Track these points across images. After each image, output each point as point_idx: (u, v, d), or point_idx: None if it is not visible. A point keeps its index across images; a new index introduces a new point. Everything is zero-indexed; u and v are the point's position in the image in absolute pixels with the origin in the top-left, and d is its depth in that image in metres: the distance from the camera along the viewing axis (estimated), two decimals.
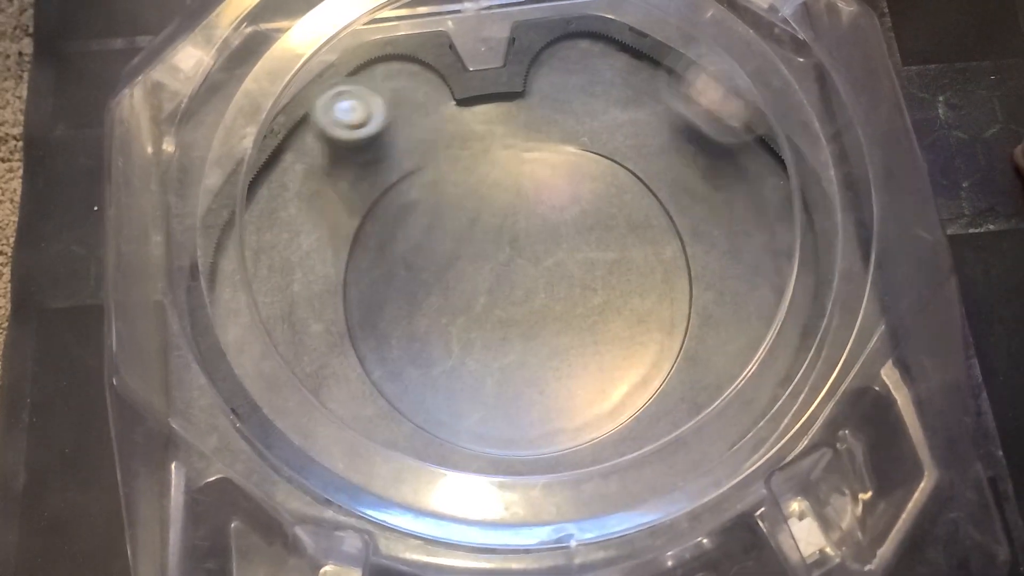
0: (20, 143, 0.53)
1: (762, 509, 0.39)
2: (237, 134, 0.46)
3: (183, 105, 0.46)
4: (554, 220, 0.49)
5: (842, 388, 0.41)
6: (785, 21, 0.48)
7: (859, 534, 0.40)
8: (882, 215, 0.43)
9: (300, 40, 0.48)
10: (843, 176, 0.46)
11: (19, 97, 0.54)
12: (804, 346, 0.43)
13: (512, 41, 0.50)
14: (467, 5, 0.51)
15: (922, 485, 0.40)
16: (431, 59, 0.51)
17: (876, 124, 0.45)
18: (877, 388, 0.42)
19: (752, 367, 0.42)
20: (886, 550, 0.39)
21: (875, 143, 0.45)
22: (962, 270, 0.50)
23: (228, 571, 0.39)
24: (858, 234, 0.45)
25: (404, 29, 0.50)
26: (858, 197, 0.45)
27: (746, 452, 0.41)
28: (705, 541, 0.39)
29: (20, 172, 0.52)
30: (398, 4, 0.49)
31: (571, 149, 0.50)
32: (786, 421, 0.41)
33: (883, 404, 0.41)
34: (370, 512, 0.40)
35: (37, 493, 0.46)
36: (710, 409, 0.42)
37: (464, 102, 0.51)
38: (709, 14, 0.49)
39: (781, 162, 0.47)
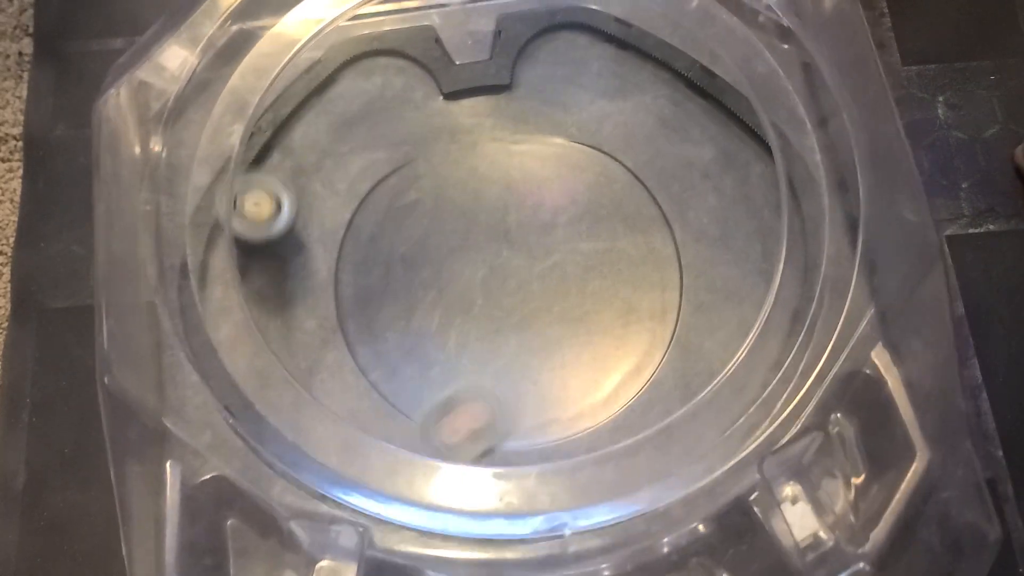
0: (20, 143, 0.53)
1: (756, 494, 0.39)
2: (224, 132, 0.46)
3: (170, 104, 0.46)
4: (544, 212, 0.49)
5: (832, 372, 0.41)
6: (769, 8, 0.48)
7: (852, 517, 0.40)
8: (868, 198, 0.44)
9: (285, 37, 0.48)
10: (829, 161, 0.46)
11: (19, 97, 0.54)
12: (794, 331, 0.44)
13: (498, 34, 0.51)
14: None
15: (914, 466, 0.40)
16: (417, 53, 0.51)
17: (862, 109, 0.45)
18: (867, 371, 0.42)
19: (743, 353, 0.42)
20: (879, 532, 0.39)
21: (860, 128, 0.45)
22: (962, 270, 0.50)
23: (225, 568, 0.39)
24: (845, 218, 0.45)
25: (389, 24, 0.50)
26: (844, 181, 0.45)
27: (739, 437, 0.41)
28: (699, 527, 0.40)
29: (20, 172, 0.52)
30: None
31: (559, 140, 0.50)
32: (778, 406, 0.41)
33: (873, 386, 0.41)
34: (365, 505, 0.40)
35: (37, 493, 0.46)
36: (702, 395, 0.42)
37: (451, 96, 0.51)
38: (694, 3, 0.49)
39: (768, 149, 0.47)
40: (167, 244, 0.45)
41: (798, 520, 0.39)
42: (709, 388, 0.42)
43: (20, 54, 0.55)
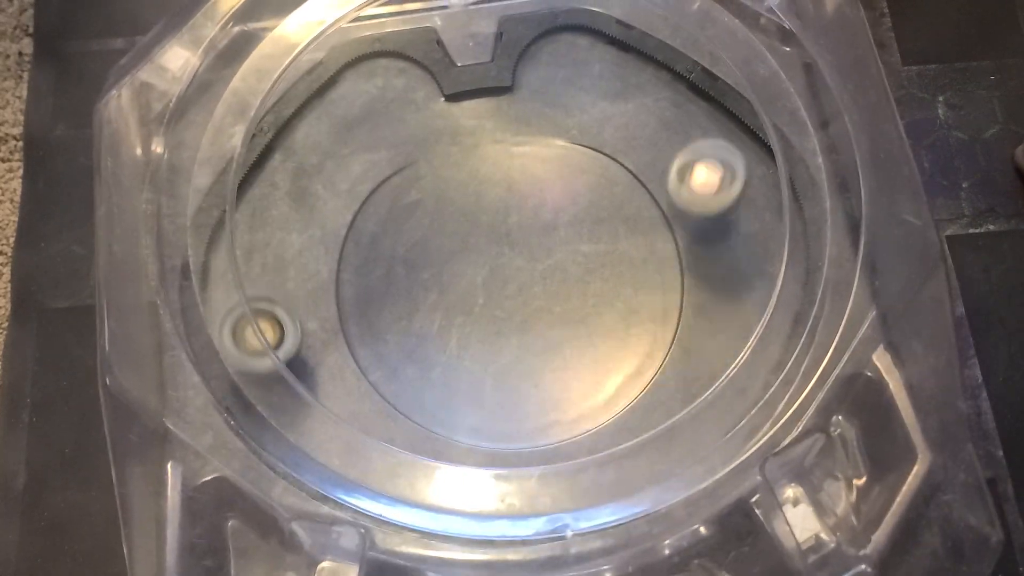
0: (20, 143, 0.53)
1: (757, 496, 0.39)
2: (226, 133, 0.46)
3: (171, 105, 0.46)
4: (546, 214, 0.49)
5: (834, 374, 0.42)
6: (771, 11, 0.48)
7: (853, 519, 0.40)
8: (870, 201, 0.44)
9: (287, 39, 0.48)
10: (831, 163, 0.46)
11: (19, 97, 0.54)
12: (796, 333, 0.44)
13: (500, 36, 0.51)
14: (454, 1, 0.51)
15: (915, 469, 0.40)
16: (419, 55, 0.51)
17: (863, 111, 0.46)
18: (869, 373, 0.42)
19: (744, 355, 0.42)
20: (881, 534, 0.39)
21: (862, 130, 0.45)
22: (962, 270, 0.50)
23: (226, 569, 0.39)
24: (847, 221, 0.45)
25: (391, 26, 0.51)
26: (846, 184, 0.45)
27: (740, 440, 0.41)
28: (701, 529, 0.40)
29: (20, 172, 0.52)
30: (384, 1, 0.49)
31: (561, 143, 0.50)
32: (779, 408, 0.41)
33: (875, 389, 0.41)
34: (366, 507, 0.40)
35: (37, 493, 0.46)
36: (704, 397, 0.42)
37: (453, 97, 0.51)
38: (696, 5, 0.49)
39: (769, 151, 0.47)
40: (168, 245, 0.45)
41: (800, 522, 0.39)
42: (711, 390, 0.42)
43: (20, 54, 0.55)
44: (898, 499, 0.39)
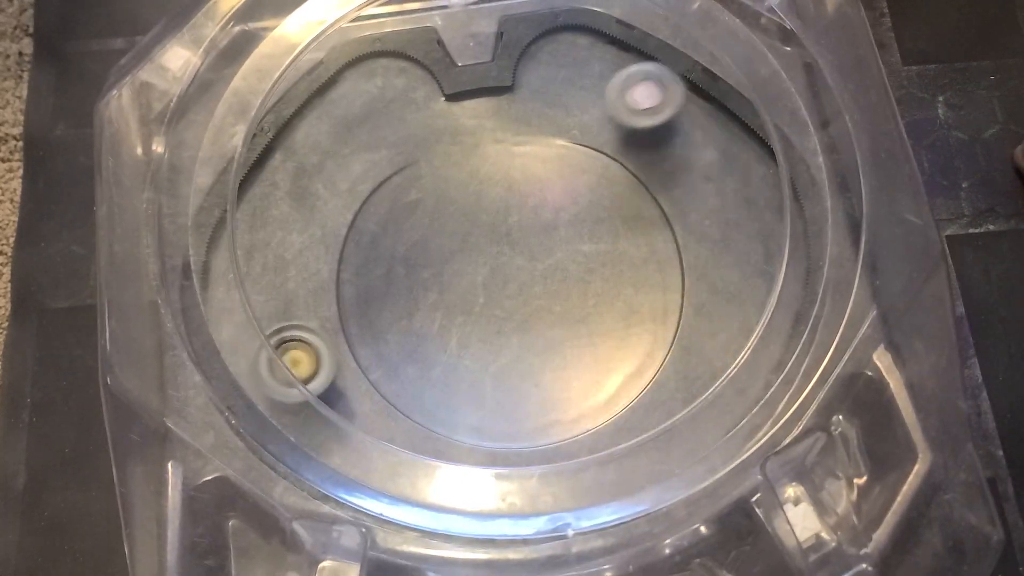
0: (20, 143, 0.53)
1: (758, 495, 0.39)
2: (226, 133, 0.46)
3: (172, 105, 0.46)
4: (546, 213, 0.49)
5: (835, 373, 0.42)
6: (771, 11, 0.48)
7: (854, 518, 0.40)
8: (871, 200, 0.44)
9: (287, 38, 0.48)
10: (832, 163, 0.46)
11: (19, 97, 0.54)
12: (796, 332, 0.44)
13: (500, 36, 0.51)
14: (454, 1, 0.51)
15: (916, 468, 0.40)
16: (419, 55, 0.51)
17: (864, 111, 0.46)
18: (869, 372, 0.42)
19: (745, 354, 0.42)
20: (881, 533, 0.39)
21: (863, 130, 0.45)
22: (962, 270, 0.50)
23: (227, 568, 0.39)
24: (848, 220, 0.45)
25: (391, 26, 0.51)
26: (847, 184, 0.46)
27: (741, 439, 0.41)
28: (702, 528, 0.40)
29: (20, 172, 0.52)
30: (384, 1, 0.49)
31: (561, 142, 0.50)
32: (780, 407, 0.41)
33: (876, 388, 0.42)
34: (368, 506, 0.40)
35: (37, 493, 0.46)
36: (704, 397, 0.42)
37: (453, 97, 0.51)
38: (696, 5, 0.49)
39: (770, 151, 0.47)
40: (169, 245, 0.45)
41: (800, 521, 0.39)
42: (711, 389, 0.42)
43: (20, 54, 0.55)
44: (899, 498, 0.39)
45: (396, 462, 0.41)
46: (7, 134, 0.53)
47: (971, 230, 0.51)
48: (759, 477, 0.39)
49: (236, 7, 0.48)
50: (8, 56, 0.55)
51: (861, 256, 0.43)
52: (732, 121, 0.50)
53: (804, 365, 0.42)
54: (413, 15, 0.51)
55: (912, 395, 0.41)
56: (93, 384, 0.40)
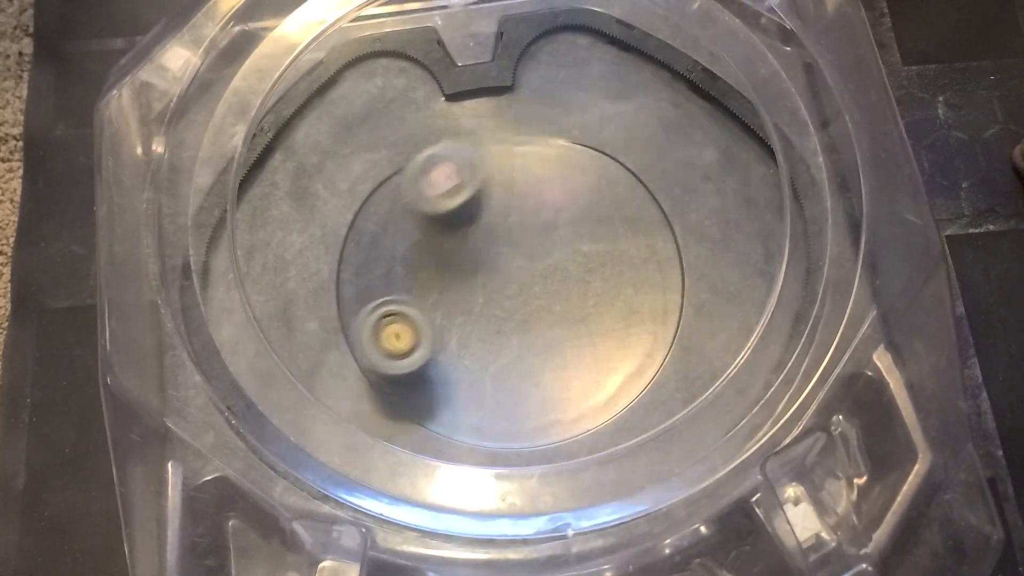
0: (20, 143, 0.53)
1: (758, 495, 0.39)
2: (226, 133, 0.46)
3: (172, 105, 0.46)
4: (546, 213, 0.49)
5: (835, 373, 0.42)
6: (771, 10, 0.48)
7: (854, 518, 0.40)
8: (871, 200, 0.44)
9: (287, 38, 0.48)
10: (832, 163, 0.46)
11: (19, 97, 0.54)
12: (796, 332, 0.44)
13: (500, 36, 0.51)
14: (454, 0, 0.51)
15: (916, 468, 0.40)
16: (419, 55, 0.51)
17: (864, 111, 0.46)
18: (869, 372, 0.42)
19: (745, 354, 0.42)
20: (881, 533, 0.39)
21: (863, 130, 0.45)
22: (962, 270, 0.50)
23: (227, 568, 0.39)
24: (848, 220, 0.45)
25: (391, 25, 0.51)
26: (847, 183, 0.46)
27: (741, 439, 0.41)
28: (702, 528, 0.40)
29: (20, 172, 0.52)
30: (384, 1, 0.49)
31: (561, 143, 0.50)
32: (780, 407, 0.41)
33: (876, 388, 0.42)
34: (367, 506, 0.40)
35: (37, 493, 0.46)
36: (704, 397, 0.42)
37: (453, 97, 0.51)
38: (696, 5, 0.49)
39: (770, 151, 0.47)
40: (169, 245, 0.45)
41: (800, 521, 0.39)
42: (711, 389, 0.42)
43: (20, 54, 0.55)
44: (899, 498, 0.39)
45: (396, 462, 0.41)
46: (7, 134, 0.53)
47: (971, 230, 0.51)
48: (759, 477, 0.39)
49: (236, 7, 0.48)
50: (8, 56, 0.55)
51: (861, 256, 0.43)
52: (732, 121, 0.50)
53: (804, 365, 0.42)
54: (413, 15, 0.51)
55: (912, 395, 0.41)
56: (93, 384, 0.40)
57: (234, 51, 0.48)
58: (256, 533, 0.40)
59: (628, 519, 0.40)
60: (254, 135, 0.47)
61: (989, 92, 0.54)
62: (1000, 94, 0.54)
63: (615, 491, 0.40)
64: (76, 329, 0.49)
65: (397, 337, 0.43)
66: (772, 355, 0.44)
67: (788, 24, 0.48)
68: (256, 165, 0.48)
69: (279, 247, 0.48)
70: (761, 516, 0.39)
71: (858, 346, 0.42)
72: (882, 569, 0.38)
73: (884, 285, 0.43)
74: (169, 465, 0.40)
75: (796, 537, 0.38)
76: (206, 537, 0.39)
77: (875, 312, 0.43)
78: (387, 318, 0.43)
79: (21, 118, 0.54)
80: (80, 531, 0.45)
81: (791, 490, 0.39)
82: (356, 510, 0.40)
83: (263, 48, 0.48)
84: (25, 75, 0.55)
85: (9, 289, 0.50)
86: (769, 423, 0.41)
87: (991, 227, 0.52)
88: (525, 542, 0.39)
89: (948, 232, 0.51)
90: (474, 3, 0.51)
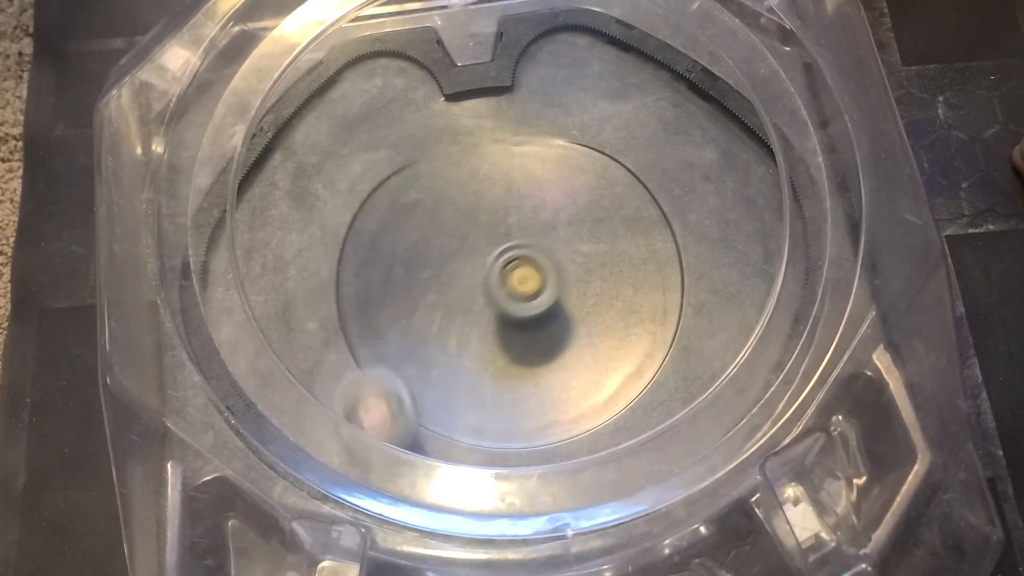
0: (20, 143, 0.53)
1: (757, 495, 0.39)
2: (226, 133, 0.46)
3: (171, 105, 0.46)
4: (545, 213, 0.49)
5: (834, 373, 0.42)
6: (771, 11, 0.48)
7: (854, 518, 0.40)
8: (871, 200, 0.44)
9: (287, 38, 0.48)
10: (831, 163, 0.46)
11: (19, 97, 0.54)
12: (796, 332, 0.44)
13: (500, 36, 0.51)
14: (454, 1, 0.51)
15: (915, 468, 0.40)
16: (419, 55, 0.51)
17: (863, 111, 0.46)
18: (869, 372, 0.42)
19: (744, 354, 0.42)
20: (881, 533, 0.39)
21: (862, 130, 0.45)
22: (962, 270, 0.50)
23: (226, 568, 0.39)
24: (847, 220, 0.45)
25: (391, 26, 0.51)
26: (846, 184, 0.46)
27: (740, 439, 0.41)
28: (701, 528, 0.40)
29: (20, 172, 0.53)
30: (384, 1, 0.49)
31: (561, 142, 0.50)
32: (779, 407, 0.41)
33: (875, 388, 0.42)
34: (367, 506, 0.40)
35: (37, 493, 0.46)
36: (704, 397, 0.42)
37: (453, 97, 0.51)
38: (696, 5, 0.49)
39: (770, 151, 0.47)
40: (169, 245, 0.45)
41: (800, 521, 0.39)
42: (711, 390, 0.42)
43: (20, 54, 0.55)
44: (898, 498, 0.39)
45: (395, 462, 0.41)
46: (7, 134, 0.53)
47: (971, 230, 0.51)
48: (758, 477, 0.39)
49: (236, 7, 0.48)
50: (8, 56, 0.55)
51: (860, 256, 0.43)
52: (732, 121, 0.50)
53: (803, 365, 0.42)
54: (413, 15, 0.51)
55: (912, 395, 0.41)
56: (93, 384, 0.40)
57: (234, 51, 0.48)
58: (255, 533, 0.40)
59: (627, 519, 0.40)
60: (254, 135, 0.47)
61: (989, 92, 0.54)
62: (1000, 94, 0.54)
63: (614, 491, 0.40)
64: (76, 329, 0.49)
65: (524, 280, 0.44)
66: (772, 355, 0.43)
67: (788, 24, 0.48)
68: (255, 165, 0.49)
69: (278, 247, 0.48)
70: (760, 516, 0.39)
71: (857, 346, 0.42)
72: (881, 569, 0.38)
73: (883, 285, 0.43)
74: (168, 465, 0.40)
75: (795, 537, 0.38)
76: (205, 537, 0.39)
77: (874, 312, 0.43)
78: (513, 262, 0.45)
79: (21, 118, 0.54)
80: (80, 531, 0.45)
81: (790, 490, 0.39)
82: (355, 510, 0.40)
83: (263, 48, 0.48)
84: (25, 75, 0.55)
85: (9, 289, 0.50)
86: (768, 423, 0.41)
87: (991, 227, 0.52)
88: (524, 542, 0.39)
89: (948, 232, 0.51)
90: (474, 3, 0.51)
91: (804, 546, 0.38)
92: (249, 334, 0.43)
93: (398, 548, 0.39)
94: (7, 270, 0.51)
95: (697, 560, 0.39)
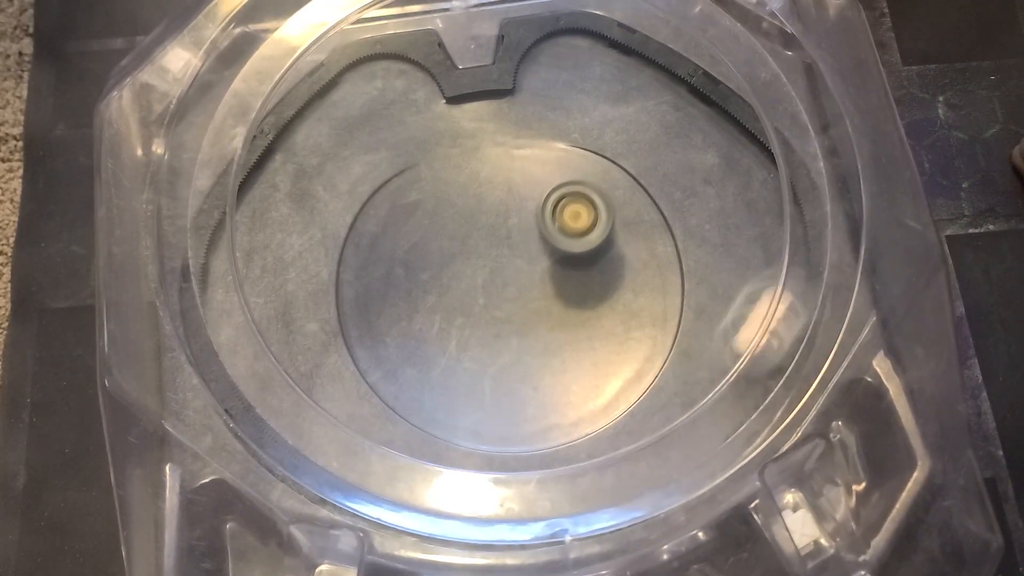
0: (20, 143, 0.53)
1: (756, 501, 0.39)
2: (227, 135, 0.46)
3: (172, 106, 0.46)
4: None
5: (834, 379, 0.41)
6: (773, 15, 0.48)
7: (853, 525, 0.40)
8: (871, 206, 0.44)
9: (288, 40, 0.48)
10: (832, 168, 0.46)
11: (19, 97, 0.54)
12: (796, 338, 0.43)
13: (501, 38, 0.51)
14: (455, 3, 0.51)
15: (915, 475, 0.40)
16: (420, 57, 0.51)
17: (864, 115, 0.45)
18: (869, 379, 0.42)
19: (744, 360, 0.42)
20: (880, 540, 0.39)
21: (863, 134, 0.45)
22: (962, 270, 0.50)
23: (224, 571, 0.39)
24: (848, 225, 0.45)
25: (393, 28, 0.51)
26: (847, 188, 0.45)
27: (740, 445, 0.41)
28: (700, 534, 0.40)
29: (20, 172, 0.53)
30: (386, 3, 0.49)
31: (561, 146, 0.50)
32: (779, 413, 0.41)
33: (875, 394, 0.41)
34: (365, 510, 0.40)
35: (37, 493, 0.46)
36: (703, 402, 0.42)
37: (454, 100, 0.51)
38: (697, 9, 0.49)
39: (770, 154, 0.47)
40: (168, 246, 0.45)
41: (799, 527, 0.39)
42: (711, 395, 0.42)
43: (20, 54, 0.55)
44: (897, 505, 0.39)
45: (394, 466, 0.41)
46: (7, 134, 0.53)
47: (971, 230, 0.51)
48: (758, 483, 0.39)
49: (237, 9, 0.48)
50: (8, 56, 0.55)
51: (861, 261, 0.43)
52: (732, 125, 0.50)
53: (804, 371, 0.42)
54: (414, 17, 0.51)
55: (911, 401, 0.41)
56: (93, 384, 0.41)
57: (235, 53, 0.48)
58: (253, 536, 0.40)
59: (626, 525, 0.40)
60: (254, 137, 0.47)
61: (989, 92, 0.54)
62: (1000, 94, 0.54)
63: (613, 496, 0.40)
64: (76, 329, 0.49)
65: (577, 216, 0.45)
66: (771, 360, 0.43)
67: (789, 28, 0.48)
68: (256, 167, 0.48)
69: (279, 249, 0.48)
70: (759, 522, 0.39)
71: (857, 352, 0.42)
72: None
73: (884, 290, 0.43)
74: (167, 467, 0.40)
75: (794, 544, 0.38)
76: (203, 540, 0.39)
77: (875, 318, 0.42)
78: (565, 199, 0.45)
79: (21, 118, 0.54)
80: (80, 531, 0.45)
81: (790, 496, 0.39)
82: (354, 514, 0.40)
83: (264, 50, 0.48)
84: (25, 75, 0.55)
85: (9, 289, 0.50)
86: (768, 429, 0.41)
87: (991, 227, 0.51)
88: (523, 547, 0.39)
89: (948, 232, 0.51)
90: (475, 6, 0.51)
91: (803, 552, 0.38)
92: (248, 336, 0.43)
93: (396, 552, 0.39)
94: (7, 270, 0.51)
95: (696, 566, 0.39)
